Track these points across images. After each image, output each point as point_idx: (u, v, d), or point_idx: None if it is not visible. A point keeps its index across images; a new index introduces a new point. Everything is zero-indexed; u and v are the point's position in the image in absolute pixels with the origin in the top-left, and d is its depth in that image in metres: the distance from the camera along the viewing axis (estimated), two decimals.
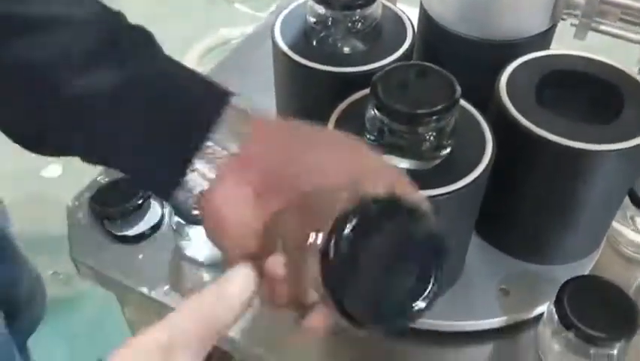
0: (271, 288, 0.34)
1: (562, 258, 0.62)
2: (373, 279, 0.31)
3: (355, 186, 0.34)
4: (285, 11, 0.66)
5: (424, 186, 0.45)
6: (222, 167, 0.37)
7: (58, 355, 1.30)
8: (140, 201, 0.67)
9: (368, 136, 0.51)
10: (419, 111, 0.47)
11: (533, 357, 0.58)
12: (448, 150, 0.51)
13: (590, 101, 0.57)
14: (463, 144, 0.51)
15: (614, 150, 0.51)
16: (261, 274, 0.34)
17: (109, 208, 0.67)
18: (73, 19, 0.37)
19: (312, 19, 0.62)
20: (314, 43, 0.63)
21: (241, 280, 0.34)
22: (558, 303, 0.53)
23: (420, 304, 0.32)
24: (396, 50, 0.61)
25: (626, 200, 0.63)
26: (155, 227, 0.68)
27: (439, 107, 0.47)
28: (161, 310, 0.63)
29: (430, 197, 0.48)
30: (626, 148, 0.51)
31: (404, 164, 0.50)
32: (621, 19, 0.65)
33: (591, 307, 0.53)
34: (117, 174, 0.59)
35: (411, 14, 0.66)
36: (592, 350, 0.52)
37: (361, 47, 0.62)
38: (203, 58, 1.91)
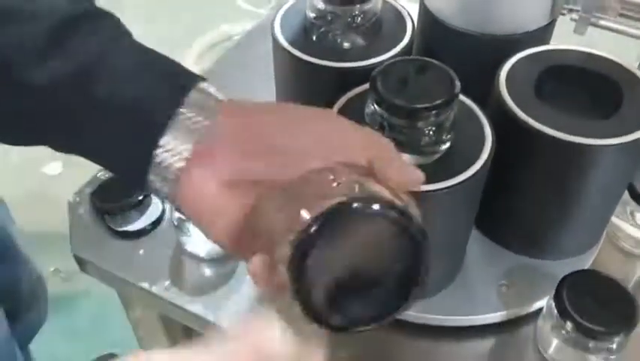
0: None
1: (561, 252, 0.62)
2: (343, 279, 0.31)
3: (335, 167, 0.33)
4: (285, 7, 0.66)
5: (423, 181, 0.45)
6: (185, 165, 0.36)
7: (60, 352, 1.30)
8: (140, 197, 0.67)
9: None
10: (418, 106, 0.47)
11: (533, 351, 0.58)
12: (448, 144, 0.51)
13: (589, 96, 0.57)
14: (462, 139, 0.51)
15: (613, 145, 0.51)
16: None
17: (110, 204, 0.67)
18: (24, 13, 0.36)
19: (312, 15, 0.62)
20: (314, 38, 0.63)
21: None
22: (557, 297, 0.53)
23: (397, 304, 0.32)
24: (396, 45, 0.61)
25: (626, 195, 0.63)
26: (156, 223, 0.68)
27: (439, 101, 0.47)
28: (163, 307, 0.63)
29: (430, 191, 0.48)
30: (625, 143, 0.52)
31: (404, 158, 0.50)
32: (621, 14, 0.65)
33: (590, 301, 0.53)
34: None
35: (411, 9, 0.66)
36: (591, 344, 0.53)
37: (361, 42, 0.62)
38: (204, 54, 1.91)
